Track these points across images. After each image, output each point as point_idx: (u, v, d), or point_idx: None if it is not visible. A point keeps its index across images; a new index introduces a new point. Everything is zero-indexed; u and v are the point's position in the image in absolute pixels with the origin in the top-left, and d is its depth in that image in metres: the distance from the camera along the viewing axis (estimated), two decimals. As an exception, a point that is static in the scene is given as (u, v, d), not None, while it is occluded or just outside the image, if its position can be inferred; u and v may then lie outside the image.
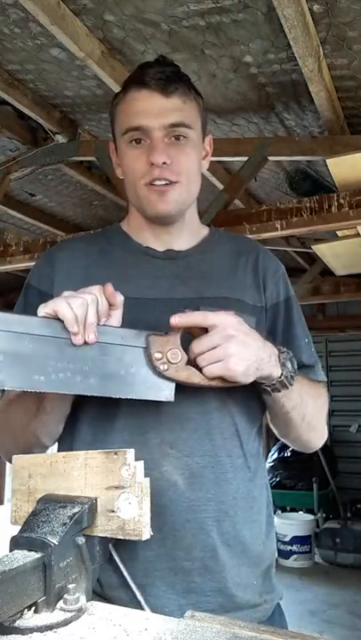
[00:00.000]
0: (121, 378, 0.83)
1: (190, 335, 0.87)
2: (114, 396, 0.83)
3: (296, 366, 0.94)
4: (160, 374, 0.84)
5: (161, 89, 0.97)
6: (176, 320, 0.83)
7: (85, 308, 0.79)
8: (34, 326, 0.78)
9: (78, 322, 0.79)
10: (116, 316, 0.87)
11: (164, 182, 0.98)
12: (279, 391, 0.92)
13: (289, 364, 0.92)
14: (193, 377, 0.85)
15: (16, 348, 0.76)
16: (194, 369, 0.85)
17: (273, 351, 0.91)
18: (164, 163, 0.96)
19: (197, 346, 0.84)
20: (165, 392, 0.85)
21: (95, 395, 0.82)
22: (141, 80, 0.98)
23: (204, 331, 0.85)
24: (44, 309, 0.80)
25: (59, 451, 0.98)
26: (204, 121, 1.06)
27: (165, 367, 0.84)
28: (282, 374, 0.91)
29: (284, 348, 0.94)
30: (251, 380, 0.87)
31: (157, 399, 0.85)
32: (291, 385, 0.92)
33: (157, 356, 0.84)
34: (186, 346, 0.86)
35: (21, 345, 0.77)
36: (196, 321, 0.84)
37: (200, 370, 0.85)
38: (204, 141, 1.07)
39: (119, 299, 0.86)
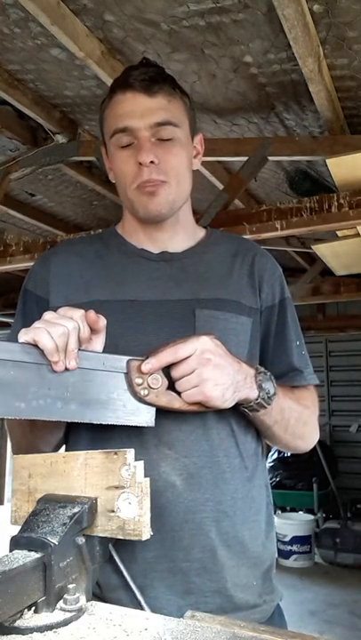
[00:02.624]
0: (102, 403, 0.83)
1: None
2: (94, 422, 0.83)
3: (275, 385, 0.94)
4: (141, 399, 0.84)
5: (144, 89, 0.97)
6: (147, 367, 0.83)
7: (66, 337, 0.78)
8: (14, 353, 0.77)
9: (59, 351, 0.78)
10: (99, 341, 0.86)
11: (153, 184, 0.98)
12: (257, 411, 0.93)
13: (266, 385, 0.92)
14: (173, 402, 0.85)
15: None
16: (174, 394, 0.85)
17: (249, 372, 0.91)
18: (151, 162, 0.96)
19: (175, 372, 0.84)
20: (146, 417, 0.85)
21: (76, 421, 0.82)
22: (125, 82, 0.99)
23: None
24: (24, 336, 0.79)
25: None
26: (191, 120, 1.06)
27: (146, 392, 0.84)
28: (258, 396, 0.91)
29: (262, 368, 0.94)
30: (229, 404, 0.87)
31: (138, 424, 0.85)
32: (269, 405, 0.92)
33: (138, 381, 0.84)
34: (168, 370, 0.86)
35: (1, 372, 0.76)
36: (168, 360, 0.84)
37: (180, 394, 0.85)
38: (193, 140, 1.07)
39: (101, 324, 0.85)
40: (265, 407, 0.92)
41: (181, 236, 1.08)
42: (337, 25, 1.72)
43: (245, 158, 2.39)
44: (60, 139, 2.53)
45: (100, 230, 1.23)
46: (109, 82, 1.97)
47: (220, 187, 2.74)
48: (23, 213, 3.35)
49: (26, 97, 2.25)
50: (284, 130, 2.47)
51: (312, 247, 3.27)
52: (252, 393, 0.90)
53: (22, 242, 2.94)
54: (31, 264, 2.86)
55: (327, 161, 2.16)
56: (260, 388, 0.91)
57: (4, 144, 2.65)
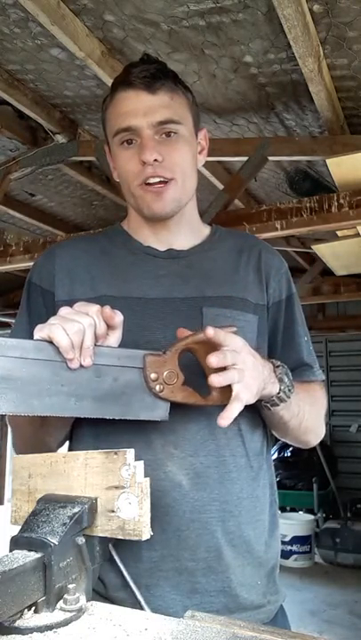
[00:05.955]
0: (116, 398, 0.82)
1: (191, 354, 0.86)
2: (108, 417, 0.82)
3: (291, 378, 0.93)
4: (156, 395, 0.84)
5: (146, 87, 0.96)
6: (210, 332, 0.80)
7: (82, 333, 0.78)
8: (28, 350, 0.77)
9: (74, 348, 0.77)
10: (115, 336, 0.84)
11: (158, 180, 0.97)
12: (278, 405, 0.92)
13: (286, 379, 0.91)
14: (189, 397, 0.85)
15: (10, 373, 0.75)
16: (191, 389, 0.84)
17: (270, 367, 0.90)
18: (155, 160, 0.95)
19: (215, 360, 0.80)
20: (160, 412, 0.85)
21: (89, 417, 0.82)
22: (127, 80, 0.97)
23: (207, 348, 0.84)
24: (39, 333, 0.78)
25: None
26: (195, 115, 1.04)
27: (161, 388, 0.83)
28: (280, 389, 0.90)
29: (278, 362, 0.93)
30: (254, 400, 0.86)
31: (152, 419, 0.85)
32: (289, 398, 0.92)
33: (153, 376, 0.83)
34: (185, 365, 0.84)
35: (16, 369, 0.75)
36: (220, 340, 0.81)
37: (194, 389, 0.84)
38: (198, 136, 1.06)
39: (117, 320, 0.83)
40: (285, 401, 0.91)
41: (187, 233, 1.07)
42: (337, 25, 1.72)
43: (245, 158, 2.40)
44: (60, 139, 2.53)
45: (101, 230, 1.22)
46: (109, 82, 1.97)
47: (220, 187, 2.74)
48: (23, 213, 3.35)
49: (26, 97, 2.26)
50: (284, 130, 2.47)
51: (312, 247, 3.27)
52: (274, 387, 0.89)
53: (22, 242, 2.94)
54: (31, 264, 2.88)
55: (327, 161, 2.16)
56: (280, 381, 0.90)
57: (4, 144, 2.65)
